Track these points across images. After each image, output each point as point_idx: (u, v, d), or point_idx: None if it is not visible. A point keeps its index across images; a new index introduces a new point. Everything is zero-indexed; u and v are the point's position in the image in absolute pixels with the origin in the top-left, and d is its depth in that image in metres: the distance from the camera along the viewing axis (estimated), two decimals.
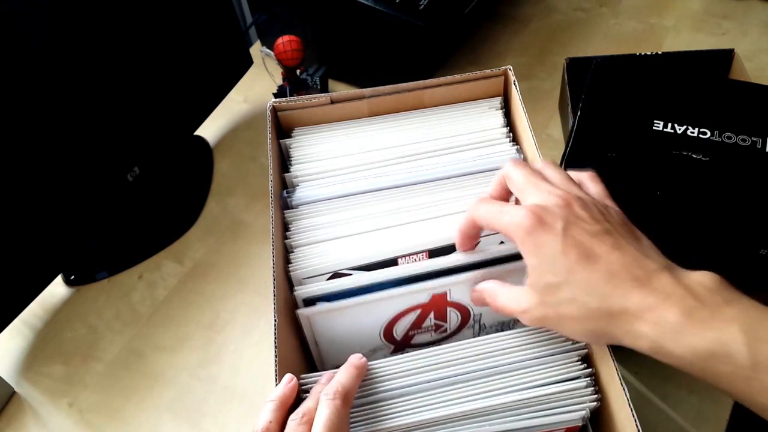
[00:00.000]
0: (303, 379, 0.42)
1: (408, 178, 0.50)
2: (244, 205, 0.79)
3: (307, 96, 0.54)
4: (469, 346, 0.43)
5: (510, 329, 0.49)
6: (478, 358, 0.42)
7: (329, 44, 0.85)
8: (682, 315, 0.33)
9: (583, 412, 0.40)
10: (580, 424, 0.41)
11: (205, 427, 0.62)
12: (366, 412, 0.40)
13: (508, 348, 0.43)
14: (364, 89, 0.54)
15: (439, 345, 0.43)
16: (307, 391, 0.41)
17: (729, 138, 0.54)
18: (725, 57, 0.70)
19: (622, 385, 0.39)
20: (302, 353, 0.50)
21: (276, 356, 0.41)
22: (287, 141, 0.54)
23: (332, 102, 0.55)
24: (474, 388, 0.41)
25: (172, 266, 0.74)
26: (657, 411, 0.57)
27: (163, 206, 0.80)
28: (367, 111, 0.56)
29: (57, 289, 0.73)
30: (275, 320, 0.42)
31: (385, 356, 0.46)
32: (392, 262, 0.47)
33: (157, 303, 0.71)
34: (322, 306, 0.45)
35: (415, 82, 0.54)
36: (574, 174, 0.42)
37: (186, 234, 0.77)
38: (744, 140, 0.54)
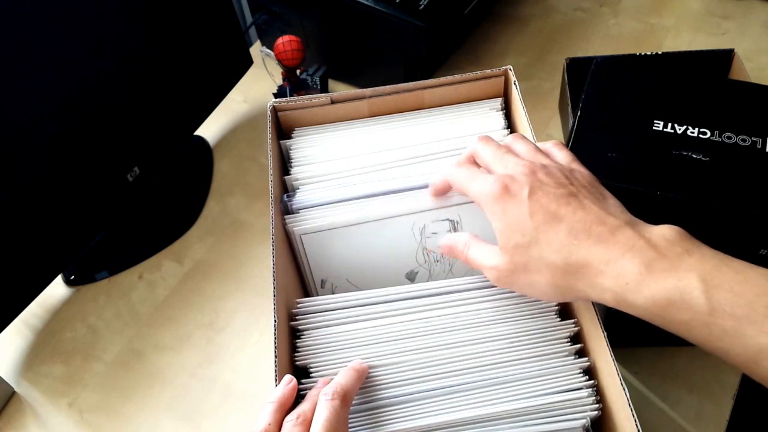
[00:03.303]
0: (301, 384, 0.42)
1: (409, 182, 0.50)
2: (244, 205, 0.79)
3: (307, 96, 0.54)
4: (472, 357, 0.43)
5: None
6: (480, 369, 0.42)
7: (329, 44, 0.85)
8: (642, 266, 0.34)
9: (584, 420, 0.40)
10: None
11: (205, 427, 0.62)
12: (367, 417, 0.40)
13: (511, 360, 0.43)
14: (364, 89, 0.54)
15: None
16: (304, 396, 0.41)
17: (729, 138, 0.54)
18: (725, 57, 0.70)
19: (624, 391, 0.38)
20: None
21: (276, 356, 0.41)
22: (287, 142, 0.54)
23: (332, 102, 0.55)
24: (475, 396, 0.41)
25: (172, 266, 0.74)
26: (657, 411, 0.57)
27: (163, 206, 0.80)
28: (368, 111, 0.56)
29: (57, 289, 0.73)
30: (275, 320, 0.42)
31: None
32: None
33: (157, 303, 0.71)
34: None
35: (415, 82, 0.54)
36: (541, 144, 0.44)
37: (186, 234, 0.77)
38: (744, 140, 0.54)
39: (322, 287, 0.52)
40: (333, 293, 0.52)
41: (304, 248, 0.49)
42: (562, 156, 0.43)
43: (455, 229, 0.50)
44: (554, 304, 0.45)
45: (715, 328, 0.33)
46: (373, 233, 0.49)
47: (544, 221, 0.38)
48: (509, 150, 0.43)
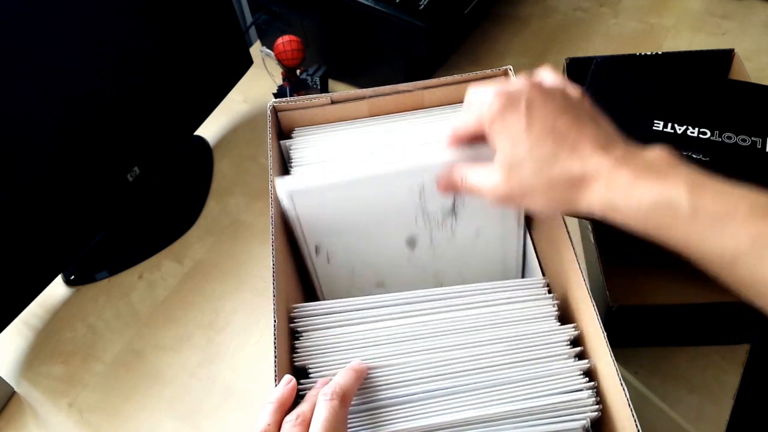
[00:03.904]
0: (300, 384, 0.42)
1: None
2: (244, 205, 0.79)
3: (307, 96, 0.54)
4: (471, 360, 0.43)
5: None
6: (480, 371, 0.43)
7: (329, 44, 0.85)
8: (632, 175, 0.36)
9: (584, 421, 0.40)
10: None
11: (205, 427, 0.62)
12: (367, 417, 0.40)
13: (511, 363, 0.43)
14: (365, 89, 0.54)
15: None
16: (303, 397, 0.41)
17: (729, 138, 0.54)
18: (725, 57, 0.70)
19: (624, 391, 0.38)
20: None
21: (275, 356, 0.41)
22: (287, 142, 0.54)
23: (332, 102, 0.55)
24: (475, 396, 0.41)
25: (172, 266, 0.74)
26: (657, 411, 0.57)
27: (163, 206, 0.80)
28: (368, 111, 0.56)
29: (57, 289, 0.73)
30: (275, 320, 0.42)
31: None
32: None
33: (157, 303, 0.71)
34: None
35: (415, 82, 0.54)
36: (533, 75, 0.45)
37: (186, 234, 0.77)
38: (744, 140, 0.54)
39: (317, 254, 0.52)
40: (329, 262, 0.52)
41: (296, 209, 0.48)
42: (556, 78, 0.43)
43: None
44: (554, 309, 0.45)
45: (696, 230, 0.34)
46: (369, 192, 0.48)
47: (540, 135, 0.38)
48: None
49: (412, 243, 0.52)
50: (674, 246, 0.36)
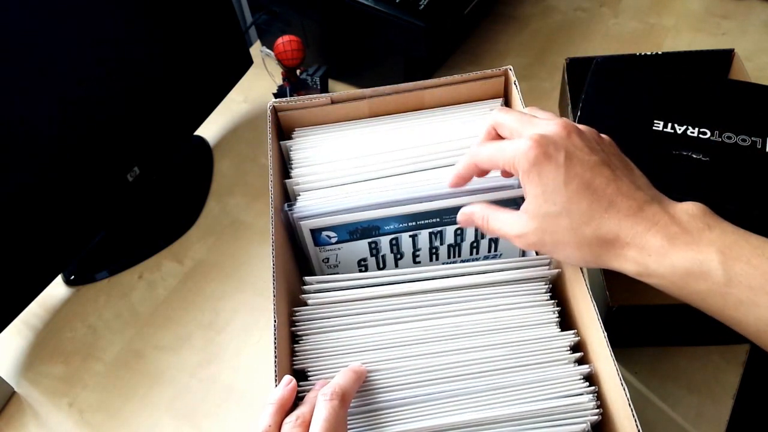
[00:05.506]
0: (300, 386, 0.41)
1: (412, 191, 0.49)
2: (244, 205, 0.79)
3: (307, 96, 0.54)
4: (471, 364, 0.43)
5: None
6: (480, 375, 0.43)
7: (329, 44, 0.85)
8: (665, 239, 0.36)
9: (584, 425, 0.40)
10: None
11: (205, 427, 0.62)
12: (367, 419, 0.40)
13: (511, 367, 0.43)
14: (365, 89, 0.54)
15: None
16: (302, 399, 0.41)
17: (729, 138, 0.54)
18: (725, 57, 0.70)
19: (625, 392, 0.38)
20: None
21: (275, 356, 0.41)
22: (288, 143, 0.54)
23: (333, 102, 0.55)
24: (476, 399, 0.41)
25: (172, 266, 0.74)
26: (657, 411, 0.57)
27: (163, 206, 0.80)
28: (368, 111, 0.56)
29: (57, 289, 0.73)
30: (275, 320, 0.42)
31: None
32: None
33: (157, 303, 0.71)
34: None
35: (415, 82, 0.54)
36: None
37: (186, 234, 0.77)
38: (744, 140, 0.54)
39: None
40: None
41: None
42: (584, 125, 0.42)
43: None
44: (554, 315, 0.45)
45: (730, 298, 0.34)
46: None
47: (578, 191, 0.38)
48: (531, 116, 0.42)
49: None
50: (709, 312, 0.35)
